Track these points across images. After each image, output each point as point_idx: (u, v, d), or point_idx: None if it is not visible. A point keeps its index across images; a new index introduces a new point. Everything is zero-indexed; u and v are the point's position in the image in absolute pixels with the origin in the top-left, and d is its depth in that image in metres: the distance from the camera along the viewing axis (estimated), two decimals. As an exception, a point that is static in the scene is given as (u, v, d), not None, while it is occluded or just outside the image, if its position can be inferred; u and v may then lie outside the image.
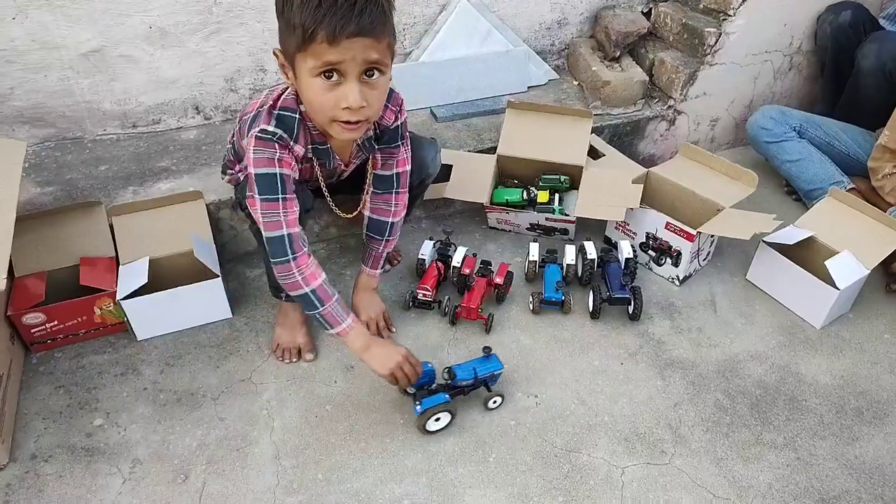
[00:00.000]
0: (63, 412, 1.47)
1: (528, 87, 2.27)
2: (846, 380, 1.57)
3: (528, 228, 1.95)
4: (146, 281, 1.57)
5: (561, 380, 1.56)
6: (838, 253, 1.67)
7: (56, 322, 1.57)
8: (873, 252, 1.68)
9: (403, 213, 1.58)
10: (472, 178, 1.88)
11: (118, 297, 1.55)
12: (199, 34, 1.92)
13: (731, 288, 1.83)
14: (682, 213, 1.82)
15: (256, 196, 1.27)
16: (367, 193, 1.55)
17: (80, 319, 1.60)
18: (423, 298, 1.69)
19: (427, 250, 1.79)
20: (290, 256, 1.29)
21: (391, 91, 1.40)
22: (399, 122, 1.44)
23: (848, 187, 1.99)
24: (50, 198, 1.78)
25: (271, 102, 1.30)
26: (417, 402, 1.38)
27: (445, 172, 1.89)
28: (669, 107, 2.17)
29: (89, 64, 1.87)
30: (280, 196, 1.27)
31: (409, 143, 1.51)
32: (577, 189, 1.87)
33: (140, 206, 1.71)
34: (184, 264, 1.65)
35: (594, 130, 2.05)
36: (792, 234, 1.72)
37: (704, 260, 1.87)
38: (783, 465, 1.39)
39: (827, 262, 1.64)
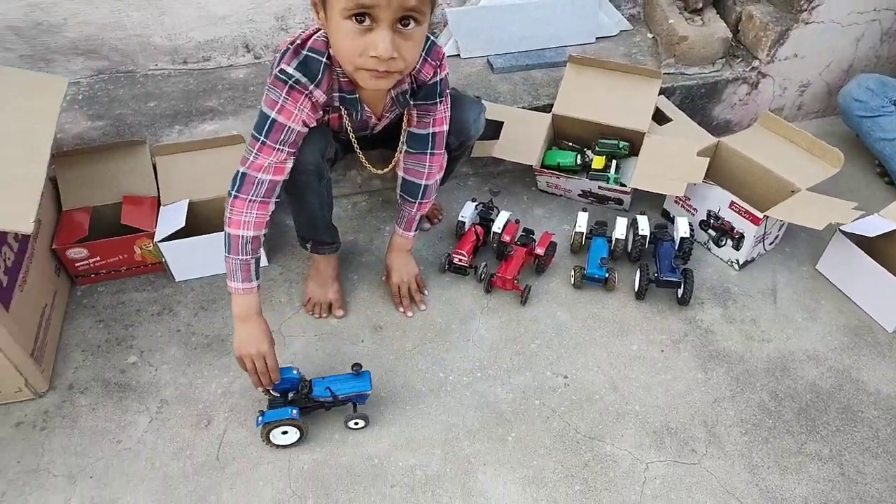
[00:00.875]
0: (101, 346, 1.52)
1: (597, 38, 2.10)
2: (913, 393, 1.43)
3: (579, 195, 1.84)
4: (183, 225, 1.58)
5: (595, 362, 1.48)
6: (925, 250, 1.49)
7: (98, 258, 1.61)
8: (968, 253, 1.49)
9: (439, 176, 1.50)
10: (523, 138, 1.77)
11: (156, 239, 1.57)
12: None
13: (797, 278, 1.67)
14: (751, 192, 1.67)
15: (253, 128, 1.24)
16: (401, 152, 1.48)
17: (121, 257, 1.63)
18: (459, 263, 1.63)
19: (468, 213, 1.71)
20: (233, 192, 1.26)
21: (433, 43, 1.30)
22: (438, 78, 1.35)
23: (951, 174, 1.77)
24: (99, 132, 1.80)
25: (300, 42, 1.23)
26: (258, 414, 1.29)
27: (495, 129, 1.79)
28: (753, 68, 1.96)
29: (140, -4, 1.84)
30: (262, 138, 1.23)
31: (448, 101, 1.41)
32: (637, 157, 1.73)
33: (183, 147, 1.71)
34: (222, 207, 1.63)
35: (664, 91, 1.89)
36: (875, 225, 1.55)
37: (771, 244, 1.71)
38: (824, 480, 1.28)
39: (910, 262, 1.47)
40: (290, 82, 1.22)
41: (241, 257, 1.27)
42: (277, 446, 1.33)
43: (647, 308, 1.59)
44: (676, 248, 1.63)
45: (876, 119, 1.88)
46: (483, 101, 1.62)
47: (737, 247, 1.64)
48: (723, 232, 1.66)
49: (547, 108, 1.84)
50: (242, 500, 1.26)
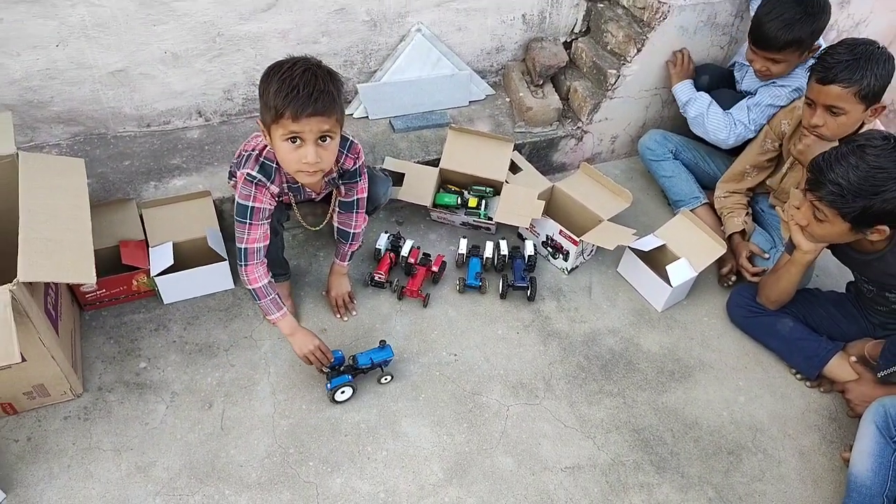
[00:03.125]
0: (116, 357, 2.05)
1: (470, 102, 2.81)
2: (669, 350, 2.28)
3: (461, 224, 2.56)
4: (171, 263, 2.14)
5: (474, 343, 2.21)
6: (678, 259, 2.34)
7: (104, 290, 2.13)
8: (703, 259, 2.35)
9: (363, 225, 2.16)
10: (419, 185, 2.46)
11: (152, 274, 2.11)
12: (204, 57, 2.39)
13: (605, 278, 2.50)
14: (574, 220, 2.46)
15: (235, 216, 1.85)
16: (335, 212, 2.13)
17: (122, 288, 2.15)
18: (378, 280, 2.30)
19: (383, 242, 2.39)
20: (243, 264, 1.87)
21: (351, 143, 1.95)
22: (357, 165, 2.00)
23: (703, 202, 2.65)
24: (89, 189, 2.28)
25: (257, 152, 1.85)
26: (328, 381, 1.97)
27: (399, 178, 2.47)
28: (578, 127, 2.76)
29: (115, 80, 2.33)
30: (248, 221, 1.84)
31: (366, 177, 2.08)
32: (499, 197, 2.47)
33: (162, 201, 2.24)
34: (198, 245, 2.20)
35: (518, 147, 2.64)
36: (648, 242, 2.38)
37: (589, 255, 2.52)
38: (613, 407, 2.09)
39: (667, 267, 2.31)
40: (256, 181, 1.83)
41: (269, 297, 1.89)
42: (338, 402, 1.98)
43: (508, 304, 2.35)
44: (526, 262, 2.39)
45: (660, 163, 2.72)
46: (389, 158, 2.31)
47: (565, 259, 2.43)
48: (556, 249, 2.44)
49: (435, 162, 2.53)
50: (244, 454, 1.88)
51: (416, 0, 2.52)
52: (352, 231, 2.14)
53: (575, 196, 2.48)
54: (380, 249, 2.38)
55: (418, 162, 2.54)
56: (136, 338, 2.11)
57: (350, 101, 2.69)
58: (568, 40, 2.86)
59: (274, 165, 1.84)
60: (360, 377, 2.03)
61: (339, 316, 2.23)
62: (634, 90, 2.71)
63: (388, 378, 2.05)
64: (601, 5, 2.74)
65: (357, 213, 2.11)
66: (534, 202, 2.41)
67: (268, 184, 1.84)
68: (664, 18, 2.49)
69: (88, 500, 1.74)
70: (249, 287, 1.88)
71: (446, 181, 2.57)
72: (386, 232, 2.44)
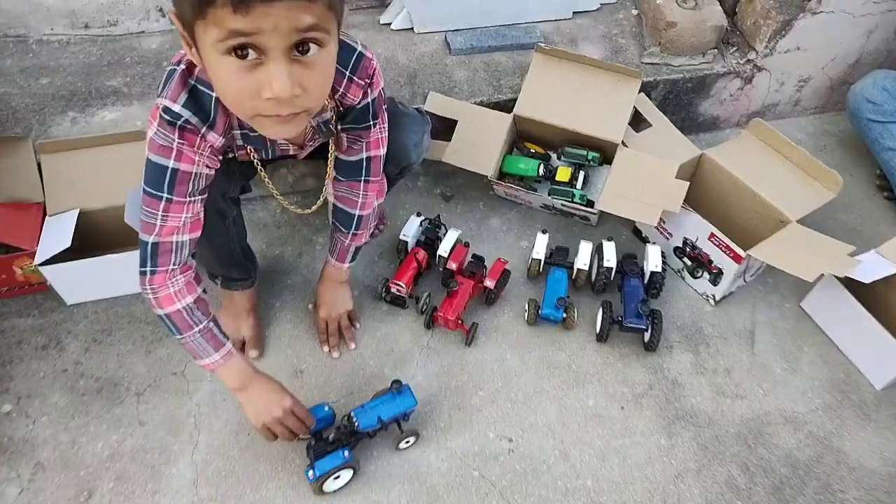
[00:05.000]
0: (-30, 388, 1.29)
1: (574, 13, 1.81)
2: (898, 466, 1.27)
3: (541, 207, 1.61)
4: (69, 245, 1.33)
5: (545, 421, 1.29)
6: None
7: (-31, 278, 1.36)
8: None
9: (375, 204, 1.26)
10: (479, 141, 1.52)
11: (36, 262, 1.32)
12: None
13: (779, 316, 1.48)
14: (734, 217, 1.46)
15: (144, 184, 0.98)
16: (330, 178, 1.22)
17: (0, 277, 1.38)
18: (397, 294, 1.41)
19: (411, 231, 1.48)
20: (148, 269, 1.01)
21: (359, 56, 1.03)
22: (370, 99, 1.08)
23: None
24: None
25: (185, 68, 0.95)
26: (310, 464, 1.13)
27: (448, 128, 1.54)
28: (749, 61, 1.70)
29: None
30: (165, 195, 0.97)
31: (385, 119, 1.15)
32: (609, 166, 1.49)
33: (74, 143, 1.43)
34: (118, 217, 1.38)
35: (645, 87, 1.63)
36: (871, 268, 1.34)
37: (751, 275, 1.51)
38: (795, 581, 1.14)
39: (910, 319, 1.28)
40: (179, 125, 0.94)
41: (195, 329, 1.04)
42: (328, 493, 1.19)
43: (609, 352, 1.40)
44: (646, 283, 1.42)
45: (888, 125, 1.64)
46: (435, 95, 1.35)
47: (714, 281, 1.44)
48: (700, 263, 1.45)
49: (509, 103, 1.57)
50: None
51: None
52: (356, 213, 1.24)
53: (740, 176, 1.46)
54: (405, 241, 1.48)
55: (481, 103, 1.59)
56: (10, 358, 1.34)
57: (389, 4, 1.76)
58: (742, -80, 1.77)
59: (214, 95, 0.96)
60: (364, 443, 1.22)
61: (327, 350, 1.37)
62: (857, 1, 1.62)
63: (412, 440, 1.23)
64: None
65: (368, 181, 1.21)
66: (671, 184, 1.42)
67: (202, 129, 0.97)
68: None
69: None
70: (158, 312, 1.04)
71: (523, 136, 1.60)
72: (419, 214, 1.52)
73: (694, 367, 1.39)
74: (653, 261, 1.42)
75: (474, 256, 1.45)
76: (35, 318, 1.40)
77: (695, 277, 1.49)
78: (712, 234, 1.38)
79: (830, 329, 1.44)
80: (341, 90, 1.04)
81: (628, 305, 1.37)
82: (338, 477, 1.16)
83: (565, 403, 1.32)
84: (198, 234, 1.04)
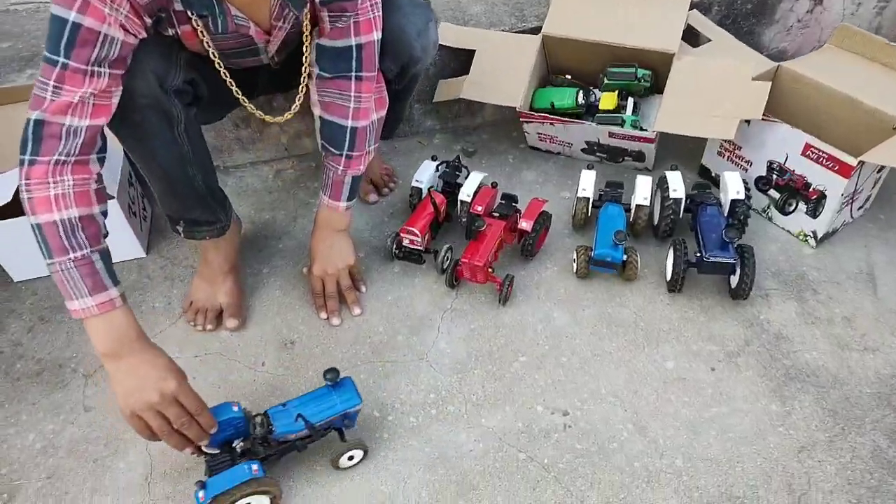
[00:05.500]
0: None
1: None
2: None
3: (583, 150, 1.33)
4: (10, 199, 1.09)
5: (610, 389, 0.97)
6: None
7: None
8: None
9: (374, 115, 1.00)
10: (503, 70, 1.27)
11: (-30, 222, 1.08)
12: None
13: (902, 255, 1.16)
14: (831, 133, 1.15)
15: (45, 49, 0.74)
16: (310, 77, 0.97)
17: (-69, 248, 1.14)
18: (411, 246, 1.13)
19: (426, 175, 1.21)
20: (27, 157, 0.76)
21: None
22: None
23: None
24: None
25: None
26: (198, 487, 0.79)
27: (464, 63, 1.29)
28: (818, -26, 1.44)
29: None
30: (61, 59, 0.74)
31: None
32: (662, 94, 1.21)
33: (14, 94, 1.22)
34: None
35: (697, 6, 1.37)
36: None
37: (860, 210, 1.19)
38: None
39: None
40: None
41: (71, 255, 0.77)
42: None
43: (687, 305, 1.08)
44: (727, 214, 1.12)
45: None
46: (447, 25, 1.13)
47: (814, 212, 1.13)
48: (792, 192, 1.14)
49: (535, 32, 1.33)
50: None
51: None
52: (349, 124, 0.98)
53: (832, 84, 1.17)
54: (419, 188, 1.20)
55: (504, 31, 1.35)
56: (-61, 341, 1.09)
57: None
58: None
59: None
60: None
61: (325, 316, 1.08)
62: None
63: (357, 456, 0.89)
64: None
65: (360, 77, 0.95)
66: (747, 86, 1.14)
67: None
68: None
69: None
70: (30, 220, 0.78)
71: (556, 67, 1.35)
72: (434, 158, 1.26)
73: (801, 318, 1.06)
74: (733, 186, 1.11)
75: (505, 195, 1.16)
76: (-27, 299, 1.15)
77: (786, 213, 1.18)
78: (808, 146, 1.08)
79: (977, 263, 1.10)
80: None
81: (708, 236, 1.06)
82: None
83: (635, 367, 1.00)
84: (101, 121, 0.79)
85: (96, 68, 0.76)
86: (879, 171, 1.14)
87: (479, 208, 1.14)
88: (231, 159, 1.39)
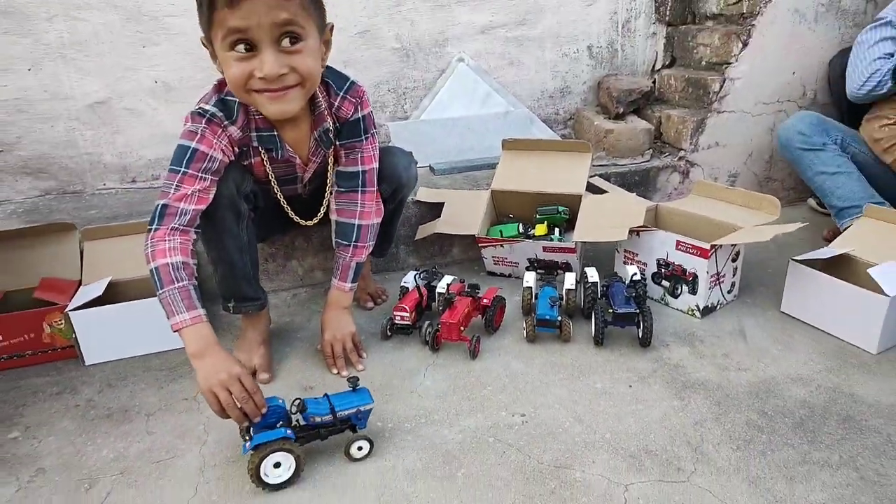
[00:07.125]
0: (-22, 427, 1.29)
1: (532, 149, 2.22)
2: (917, 401, 1.25)
3: (527, 268, 1.78)
4: (100, 293, 1.47)
5: (555, 400, 1.29)
6: (879, 265, 1.43)
7: (1, 338, 1.45)
8: (926, 265, 1.43)
9: (374, 219, 1.46)
10: (464, 213, 1.77)
11: (67, 309, 1.44)
12: (203, 89, 1.98)
13: (765, 321, 1.56)
14: (695, 237, 1.64)
15: (170, 164, 1.22)
16: (331, 193, 1.45)
17: (26, 337, 1.47)
18: (402, 322, 1.50)
19: (410, 278, 1.63)
20: (154, 226, 1.19)
21: (352, 83, 1.35)
22: (360, 115, 1.38)
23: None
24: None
25: (217, 83, 1.28)
26: (247, 437, 1.09)
27: (437, 215, 1.80)
28: (681, 157, 2.07)
29: (94, 116, 1.94)
30: (182, 169, 1.21)
31: (376, 140, 1.44)
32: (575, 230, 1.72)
33: (115, 230, 1.66)
34: (146, 286, 1.53)
35: (601, 177, 1.95)
36: (826, 251, 1.50)
37: (729, 292, 1.63)
38: (841, 485, 1.05)
39: (870, 270, 1.40)
40: (208, 116, 1.24)
41: (176, 285, 1.14)
42: (268, 486, 1.08)
43: (608, 353, 1.45)
44: (628, 284, 1.54)
45: (817, 153, 1.87)
46: (424, 188, 1.65)
47: (693, 290, 1.56)
48: (676, 279, 1.59)
49: (486, 188, 1.86)
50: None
51: (454, 26, 2.12)
52: (356, 222, 1.43)
53: (692, 210, 1.70)
54: (406, 287, 1.62)
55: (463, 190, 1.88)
56: (24, 403, 1.36)
57: (381, 149, 2.17)
58: (648, 79, 2.31)
59: (237, 100, 1.26)
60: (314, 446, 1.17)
61: (335, 371, 1.41)
62: (749, 102, 2.05)
63: (365, 448, 1.15)
64: (683, 27, 2.24)
65: (364, 191, 1.43)
66: (631, 208, 1.64)
67: (225, 122, 1.25)
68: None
69: None
70: (150, 266, 1.16)
71: (502, 211, 1.86)
72: (416, 269, 1.69)
73: (692, 355, 1.43)
74: (630, 272, 1.55)
75: (470, 285, 1.58)
76: (53, 377, 1.45)
77: (676, 296, 1.60)
78: (679, 242, 1.55)
79: (812, 317, 1.51)
80: (336, 104, 1.34)
81: (616, 298, 1.47)
82: (278, 465, 1.09)
83: (574, 387, 1.33)
84: (202, 207, 1.23)
85: (203, 175, 1.23)
86: (734, 259, 1.60)
87: (453, 292, 1.54)
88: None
